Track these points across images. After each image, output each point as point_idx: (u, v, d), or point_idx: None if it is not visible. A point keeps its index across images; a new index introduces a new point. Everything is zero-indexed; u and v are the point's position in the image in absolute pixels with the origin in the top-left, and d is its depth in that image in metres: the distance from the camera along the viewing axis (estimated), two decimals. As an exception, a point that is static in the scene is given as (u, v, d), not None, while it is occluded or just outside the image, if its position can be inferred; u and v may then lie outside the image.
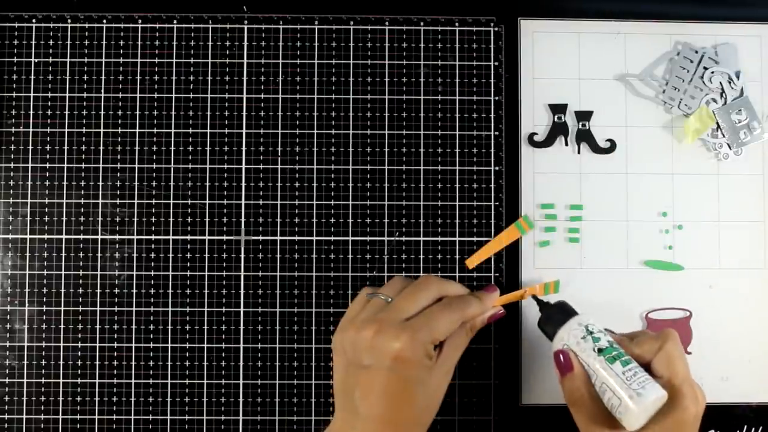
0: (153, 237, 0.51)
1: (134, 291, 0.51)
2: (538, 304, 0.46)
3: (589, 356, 0.42)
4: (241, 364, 0.51)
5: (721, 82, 0.51)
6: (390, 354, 0.41)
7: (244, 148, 0.51)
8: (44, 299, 0.51)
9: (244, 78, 0.52)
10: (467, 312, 0.45)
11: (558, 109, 0.52)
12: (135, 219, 0.51)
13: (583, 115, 0.52)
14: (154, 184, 0.51)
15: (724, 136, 0.51)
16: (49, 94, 0.51)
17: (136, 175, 0.51)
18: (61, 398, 0.50)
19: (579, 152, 0.52)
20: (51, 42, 0.52)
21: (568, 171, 0.52)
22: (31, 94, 0.51)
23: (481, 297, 0.46)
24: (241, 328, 0.51)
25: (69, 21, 0.52)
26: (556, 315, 0.45)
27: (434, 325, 0.42)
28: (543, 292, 0.50)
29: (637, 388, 0.40)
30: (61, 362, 0.50)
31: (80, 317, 0.51)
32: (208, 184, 0.51)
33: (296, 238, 0.51)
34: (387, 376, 0.41)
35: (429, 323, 0.42)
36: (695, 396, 0.41)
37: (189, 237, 0.51)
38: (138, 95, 0.51)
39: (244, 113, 0.52)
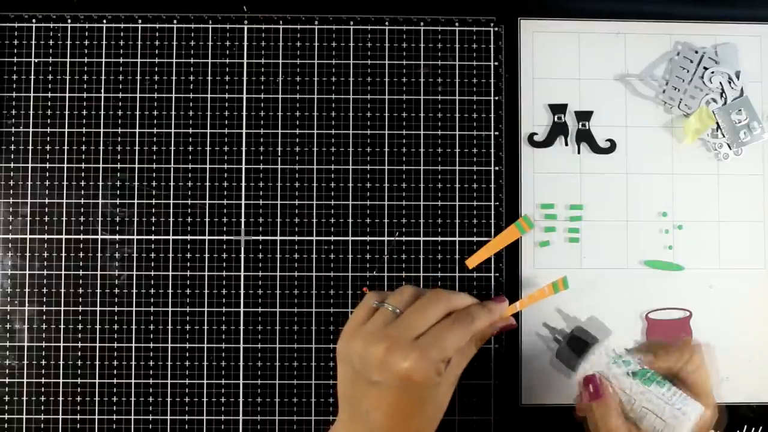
0: (153, 237, 0.51)
1: (134, 291, 0.51)
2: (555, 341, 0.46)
3: (624, 381, 0.42)
4: (241, 364, 0.51)
5: (721, 82, 0.51)
6: (400, 374, 0.40)
7: (244, 148, 0.51)
8: (44, 299, 0.51)
9: (244, 78, 0.52)
10: (475, 326, 0.43)
11: (558, 109, 0.52)
12: (135, 219, 0.51)
13: (583, 115, 0.52)
14: (154, 184, 0.51)
15: (724, 136, 0.51)
16: (49, 94, 0.51)
17: (136, 175, 0.51)
18: (61, 398, 0.50)
19: (579, 152, 0.52)
20: (51, 42, 0.52)
21: (568, 171, 0.52)
22: (31, 94, 0.51)
23: (489, 306, 0.46)
24: (241, 328, 0.51)
25: (69, 21, 0.52)
26: (577, 343, 0.44)
27: (444, 343, 0.41)
28: (553, 291, 0.50)
29: (680, 406, 0.40)
30: (61, 362, 0.50)
31: (80, 317, 0.51)
32: (208, 184, 0.51)
33: (296, 238, 0.51)
34: (396, 395, 0.40)
35: (438, 341, 0.41)
36: (716, 404, 0.42)
37: (189, 237, 0.51)
38: (138, 95, 0.51)
39: (244, 113, 0.52)
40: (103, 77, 0.52)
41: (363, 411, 0.41)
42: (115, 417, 0.50)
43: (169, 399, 0.50)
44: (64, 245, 0.51)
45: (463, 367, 0.44)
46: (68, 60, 0.52)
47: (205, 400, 0.50)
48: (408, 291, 0.44)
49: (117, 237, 0.51)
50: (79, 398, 0.50)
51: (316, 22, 0.52)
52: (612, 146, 0.52)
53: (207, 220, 0.51)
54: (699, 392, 0.42)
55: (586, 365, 0.43)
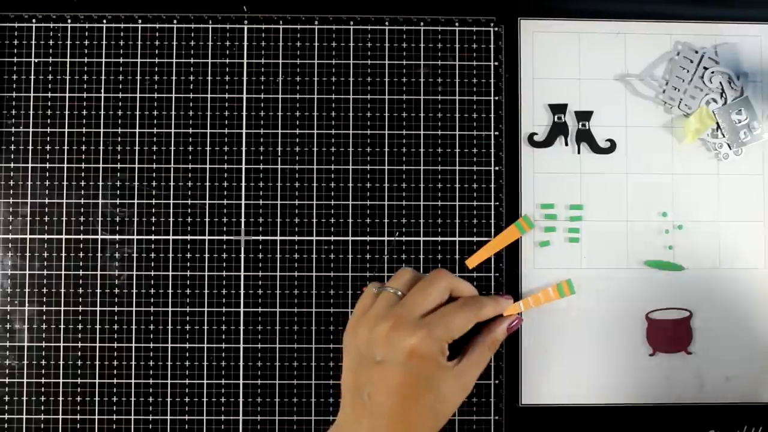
0: (153, 237, 0.51)
1: (134, 291, 0.51)
2: None
3: None
4: (241, 364, 0.51)
5: (721, 82, 0.51)
6: (405, 349, 0.41)
7: (244, 148, 0.51)
8: (44, 299, 0.51)
9: (244, 78, 0.52)
10: (482, 312, 0.45)
11: (558, 109, 0.52)
12: (135, 219, 0.51)
13: (583, 115, 0.52)
14: (154, 184, 0.51)
15: (724, 136, 0.51)
16: (49, 94, 0.51)
17: (136, 175, 0.51)
18: (61, 398, 0.50)
19: (579, 152, 0.52)
20: (51, 42, 0.52)
21: (568, 171, 0.52)
22: (31, 94, 0.51)
23: (495, 299, 0.47)
24: (241, 328, 0.51)
25: (69, 21, 0.52)
26: None
27: (450, 323, 0.42)
28: (558, 294, 0.50)
29: None
30: (61, 362, 0.50)
31: (80, 317, 0.51)
32: (208, 184, 0.51)
33: (296, 238, 0.51)
34: (400, 372, 0.41)
35: (445, 321, 0.42)
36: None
37: (189, 237, 0.51)
38: (138, 95, 0.51)
39: (244, 113, 0.52)
40: (103, 77, 0.52)
41: (365, 396, 0.42)
42: (115, 417, 0.50)
43: (169, 399, 0.50)
44: (64, 245, 0.51)
45: (476, 374, 0.44)
46: (68, 60, 0.52)
47: (205, 400, 0.50)
48: (407, 273, 0.46)
49: (117, 237, 0.51)
50: (79, 398, 0.50)
51: (316, 22, 0.52)
52: (612, 146, 0.52)
53: (207, 220, 0.51)
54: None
55: None
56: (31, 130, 0.51)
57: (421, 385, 0.41)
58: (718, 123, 0.51)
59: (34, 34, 0.52)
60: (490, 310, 0.46)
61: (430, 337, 0.41)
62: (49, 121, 0.51)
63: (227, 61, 0.52)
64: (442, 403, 0.43)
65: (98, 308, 0.51)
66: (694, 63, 0.51)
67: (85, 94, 0.51)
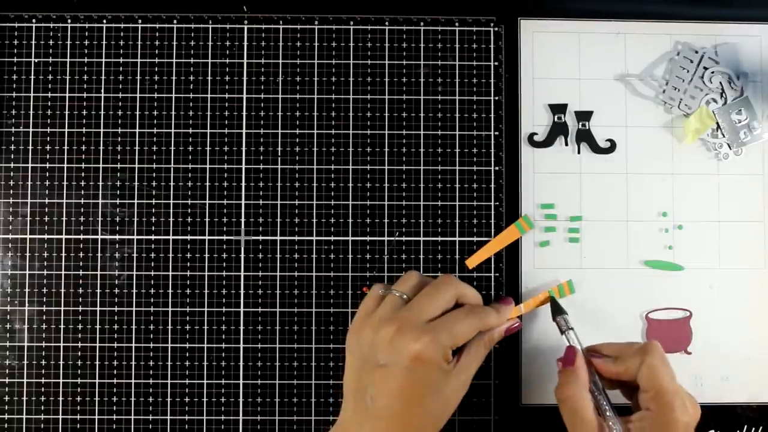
0: (153, 237, 0.51)
1: (134, 291, 0.51)
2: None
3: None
4: (241, 364, 0.51)
5: (721, 82, 0.51)
6: (409, 354, 0.41)
7: (244, 148, 0.51)
8: (44, 299, 0.51)
9: (244, 78, 0.52)
10: (486, 321, 0.45)
11: (558, 109, 0.52)
12: (135, 219, 0.51)
13: (583, 115, 0.52)
14: (154, 184, 0.51)
15: (724, 136, 0.51)
16: (49, 94, 0.51)
17: (136, 175, 0.51)
18: (61, 398, 0.50)
19: (579, 152, 0.52)
20: (51, 42, 0.52)
21: (568, 171, 0.52)
22: (31, 94, 0.51)
23: (498, 309, 0.47)
24: (241, 328, 0.51)
25: (69, 21, 0.52)
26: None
27: (455, 329, 0.43)
28: (559, 294, 0.50)
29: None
30: (61, 362, 0.50)
31: (80, 317, 0.51)
32: (208, 184, 0.51)
33: (296, 238, 0.51)
34: (403, 376, 0.41)
35: (450, 327, 0.42)
36: (684, 407, 0.40)
37: (189, 237, 0.51)
38: (138, 95, 0.51)
39: (244, 113, 0.52)
40: (103, 77, 0.52)
41: (367, 399, 0.42)
42: (115, 417, 0.50)
43: (169, 399, 0.50)
44: (64, 245, 0.51)
45: (473, 370, 0.44)
46: (68, 60, 0.52)
47: (205, 400, 0.50)
48: (414, 277, 0.46)
49: (117, 237, 0.51)
50: (79, 398, 0.50)
51: (316, 22, 0.52)
52: (612, 146, 0.52)
53: (207, 220, 0.51)
54: (662, 394, 0.40)
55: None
56: (31, 130, 0.51)
57: (424, 389, 0.41)
58: (718, 123, 0.51)
59: (34, 34, 0.52)
60: (494, 320, 0.46)
61: (434, 342, 0.41)
62: (49, 121, 0.51)
63: (227, 61, 0.52)
64: (442, 406, 0.43)
65: (98, 308, 0.51)
66: (694, 63, 0.51)
67: (85, 94, 0.51)
